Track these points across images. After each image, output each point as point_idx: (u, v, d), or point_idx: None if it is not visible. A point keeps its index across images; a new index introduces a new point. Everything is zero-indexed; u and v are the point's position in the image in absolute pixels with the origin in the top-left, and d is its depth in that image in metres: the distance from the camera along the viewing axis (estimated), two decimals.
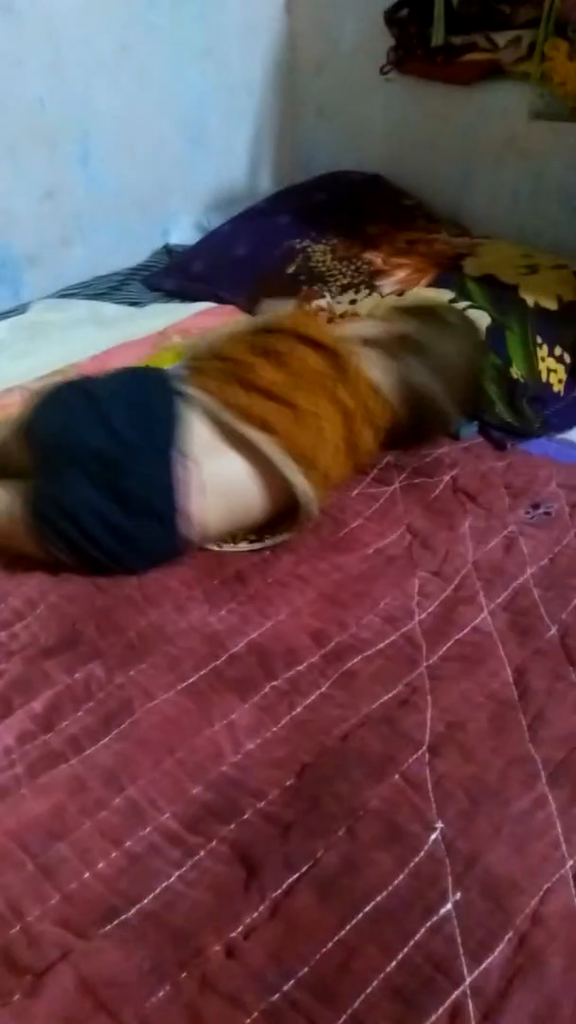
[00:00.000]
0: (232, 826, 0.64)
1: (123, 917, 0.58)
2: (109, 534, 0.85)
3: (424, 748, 0.69)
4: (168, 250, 1.68)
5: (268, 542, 0.92)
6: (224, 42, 1.63)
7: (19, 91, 1.39)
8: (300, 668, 0.77)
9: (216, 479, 0.87)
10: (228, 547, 0.93)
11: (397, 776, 0.67)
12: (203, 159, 1.70)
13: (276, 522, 0.93)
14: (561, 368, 1.23)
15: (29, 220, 1.50)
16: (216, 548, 0.92)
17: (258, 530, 0.94)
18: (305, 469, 0.89)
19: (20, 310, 1.47)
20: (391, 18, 1.50)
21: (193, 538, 0.89)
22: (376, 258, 1.37)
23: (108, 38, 1.47)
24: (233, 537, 0.93)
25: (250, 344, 0.97)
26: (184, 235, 1.71)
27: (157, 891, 0.60)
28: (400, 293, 1.27)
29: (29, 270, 1.53)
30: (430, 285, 1.27)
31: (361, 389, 0.94)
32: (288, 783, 0.67)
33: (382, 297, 1.27)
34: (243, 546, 0.93)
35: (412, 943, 0.55)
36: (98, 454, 0.85)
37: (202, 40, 1.60)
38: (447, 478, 1.05)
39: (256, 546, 0.92)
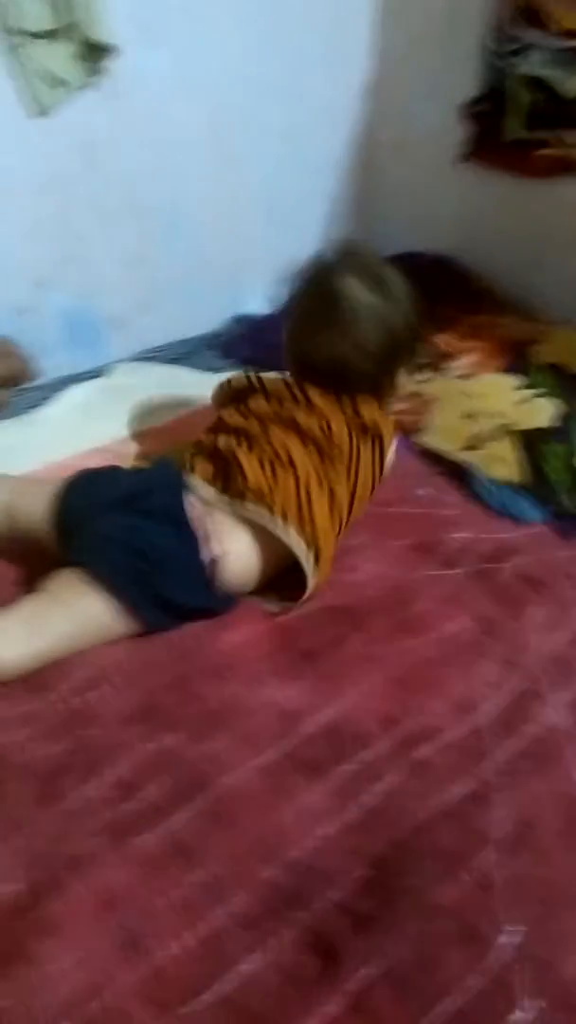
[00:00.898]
0: (306, 913, 0.66)
1: (201, 997, 0.60)
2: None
3: (495, 847, 0.70)
4: (239, 320, 1.75)
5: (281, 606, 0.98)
6: (306, 123, 1.70)
7: (118, 166, 1.47)
8: (371, 753, 0.79)
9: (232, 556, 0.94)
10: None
11: (468, 874, 0.68)
12: (278, 234, 1.76)
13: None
14: None
15: (115, 285, 1.57)
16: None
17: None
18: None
19: (100, 371, 1.53)
20: (468, 110, 1.57)
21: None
22: (444, 340, 1.42)
23: (199, 120, 1.55)
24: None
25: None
26: (256, 305, 1.77)
27: (234, 973, 0.62)
28: (468, 377, 1.31)
29: (110, 332, 1.60)
30: (499, 371, 1.31)
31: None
32: (361, 873, 0.69)
33: (449, 380, 1.31)
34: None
35: None
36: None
37: (285, 121, 1.67)
38: (511, 565, 1.07)
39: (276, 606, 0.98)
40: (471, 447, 1.20)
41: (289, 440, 0.99)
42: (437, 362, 1.36)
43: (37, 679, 0.86)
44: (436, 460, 1.23)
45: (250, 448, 0.99)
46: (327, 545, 0.96)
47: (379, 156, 1.80)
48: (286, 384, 1.04)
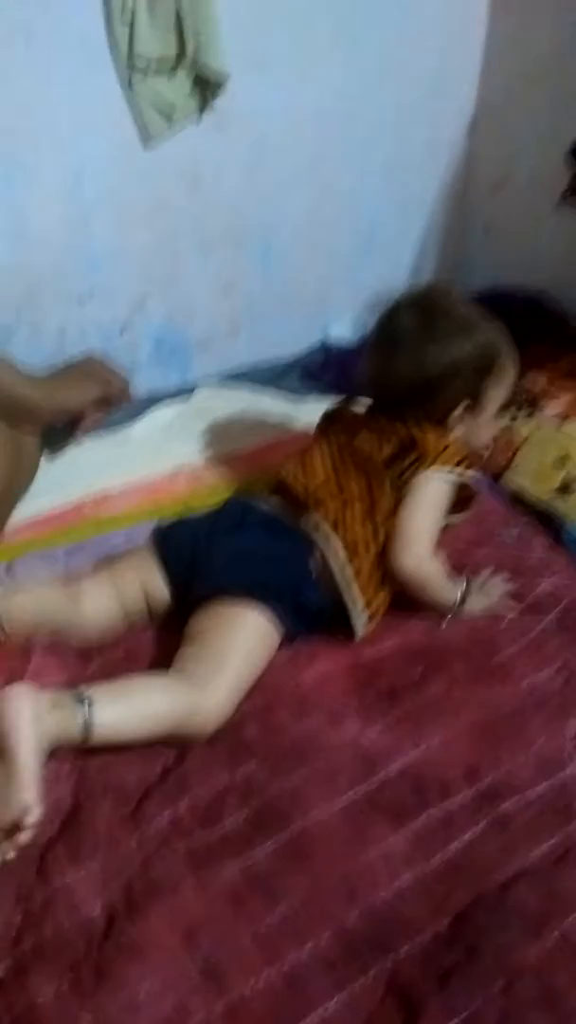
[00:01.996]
0: (388, 961, 0.66)
1: None
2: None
3: None
4: (325, 346, 1.76)
5: None
6: (406, 158, 1.72)
7: (218, 195, 1.51)
8: (454, 802, 0.79)
9: None
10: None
11: (555, 936, 0.67)
12: (369, 264, 1.78)
13: None
14: None
15: (207, 310, 1.61)
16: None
17: None
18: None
19: (187, 393, 1.56)
20: (573, 154, 1.56)
21: None
22: (537, 381, 1.41)
23: (301, 151, 1.58)
24: None
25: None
26: (342, 332, 1.79)
27: (316, 1016, 0.62)
28: (564, 417, 1.30)
29: (198, 355, 1.64)
30: None
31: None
32: (445, 925, 0.68)
33: (541, 424, 1.30)
34: None
35: None
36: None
37: (386, 156, 1.69)
38: None
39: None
40: (561, 492, 1.19)
41: (348, 469, 1.06)
42: (529, 402, 1.35)
43: None
44: (524, 504, 1.22)
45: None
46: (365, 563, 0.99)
47: (477, 194, 1.80)
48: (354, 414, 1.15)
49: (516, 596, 1.05)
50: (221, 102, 1.40)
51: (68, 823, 0.77)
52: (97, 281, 1.46)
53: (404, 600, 1.02)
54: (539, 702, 0.91)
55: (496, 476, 1.27)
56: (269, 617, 0.92)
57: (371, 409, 1.14)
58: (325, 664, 0.95)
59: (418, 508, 1.02)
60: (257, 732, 0.86)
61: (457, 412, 1.07)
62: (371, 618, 0.98)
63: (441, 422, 1.07)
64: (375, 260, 1.78)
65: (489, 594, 1.04)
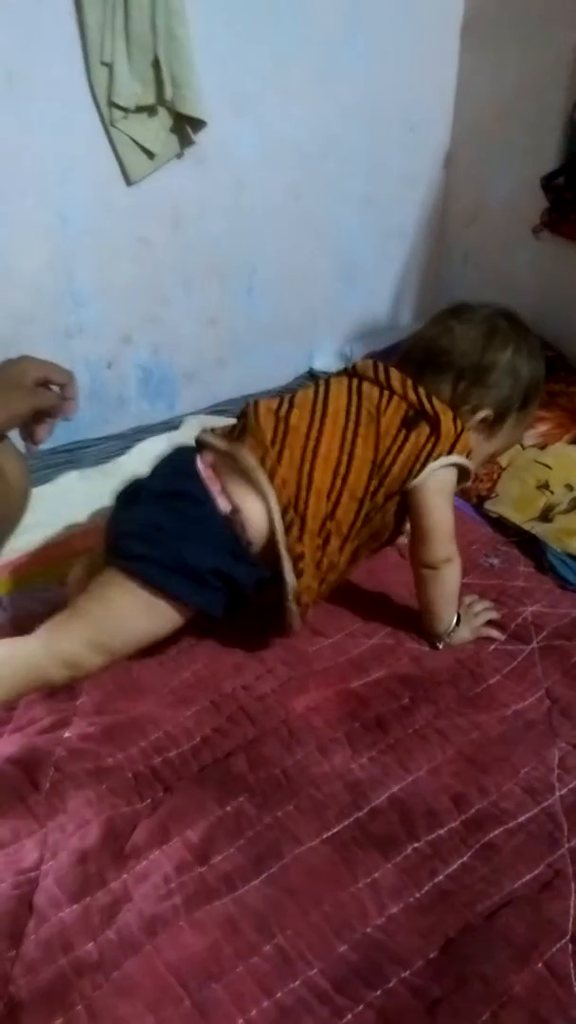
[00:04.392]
0: (378, 992, 0.66)
1: None
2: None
3: (568, 938, 0.70)
4: (312, 375, 1.79)
5: None
6: (384, 192, 1.76)
7: (200, 231, 1.54)
8: (441, 832, 0.80)
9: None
10: None
11: (541, 964, 0.68)
12: (351, 294, 1.81)
13: None
14: None
15: (192, 343, 1.63)
16: None
17: None
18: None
19: (174, 423, 1.59)
20: (547, 184, 1.60)
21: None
22: None
23: (280, 186, 1.62)
24: None
25: None
26: (326, 362, 1.82)
27: None
28: (542, 447, 1.32)
29: (185, 386, 1.66)
30: (572, 442, 1.31)
31: None
32: (432, 955, 0.69)
33: (523, 448, 1.32)
34: None
35: None
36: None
37: (364, 187, 1.73)
38: None
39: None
40: (543, 518, 1.21)
41: (334, 401, 0.98)
42: None
43: (114, 737, 0.89)
44: (506, 529, 1.24)
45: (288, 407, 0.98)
46: (314, 515, 0.93)
47: (455, 224, 1.85)
48: (374, 364, 1.03)
49: (500, 623, 1.07)
50: (201, 139, 1.44)
51: (58, 860, 0.77)
52: (83, 317, 1.48)
53: (392, 616, 1.03)
54: (524, 729, 0.92)
55: (479, 502, 1.29)
56: (164, 601, 0.91)
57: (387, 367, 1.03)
58: (314, 694, 0.96)
59: (445, 498, 0.98)
60: (246, 765, 0.87)
61: (478, 416, 1.00)
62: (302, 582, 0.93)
63: (459, 408, 1.00)
64: (357, 291, 1.81)
65: (473, 621, 1.05)
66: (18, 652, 0.91)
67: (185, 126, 1.42)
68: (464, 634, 1.03)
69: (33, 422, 0.94)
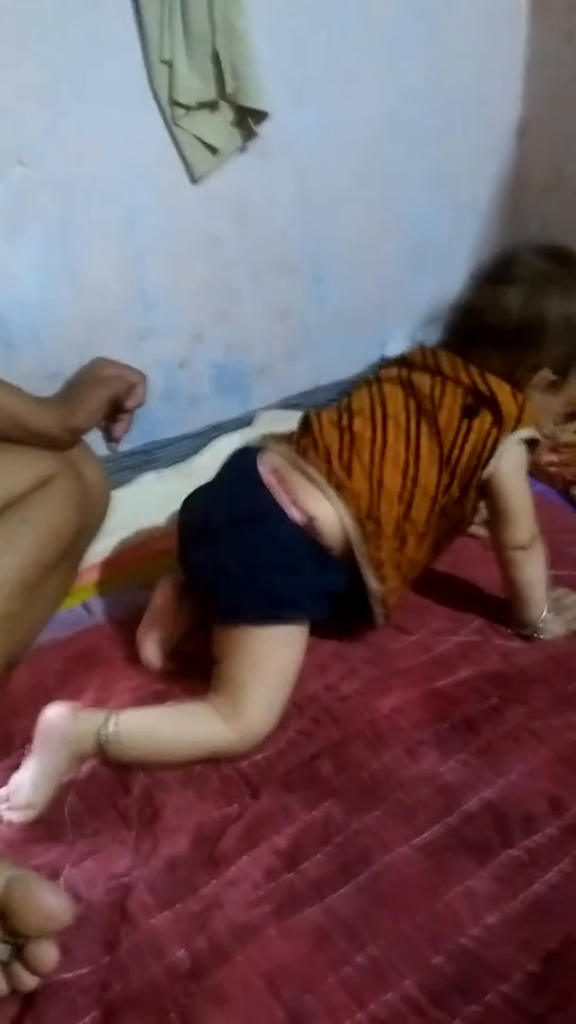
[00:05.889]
0: (476, 1006, 0.64)
1: None
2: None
3: None
4: (384, 364, 1.75)
5: None
6: (454, 168, 1.70)
7: (268, 224, 1.52)
8: (538, 838, 0.77)
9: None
10: None
11: None
12: (423, 278, 1.76)
13: None
14: None
15: (263, 337, 1.62)
16: None
17: None
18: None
19: (247, 419, 1.58)
20: None
21: None
22: None
23: (346, 173, 1.58)
24: None
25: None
26: (398, 348, 1.77)
27: None
28: None
29: (258, 381, 1.65)
30: None
31: None
32: (532, 969, 0.66)
33: None
34: None
35: None
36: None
37: (433, 166, 1.68)
38: None
39: None
40: None
41: (392, 402, 0.96)
42: None
43: None
44: None
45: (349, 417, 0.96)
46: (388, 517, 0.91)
47: (528, 198, 1.77)
48: (421, 351, 1.01)
49: None
50: (264, 131, 1.42)
51: (149, 865, 0.78)
52: (154, 318, 1.49)
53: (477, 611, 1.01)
54: None
55: (566, 489, 1.24)
56: (287, 629, 0.90)
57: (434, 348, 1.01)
58: (398, 695, 0.94)
59: (520, 477, 0.94)
60: (332, 769, 0.86)
61: (538, 378, 0.95)
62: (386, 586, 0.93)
63: (512, 381, 0.94)
64: (428, 273, 1.76)
65: (564, 615, 1.01)
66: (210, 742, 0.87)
67: (247, 119, 1.41)
68: (557, 628, 0.99)
69: (110, 420, 0.99)
